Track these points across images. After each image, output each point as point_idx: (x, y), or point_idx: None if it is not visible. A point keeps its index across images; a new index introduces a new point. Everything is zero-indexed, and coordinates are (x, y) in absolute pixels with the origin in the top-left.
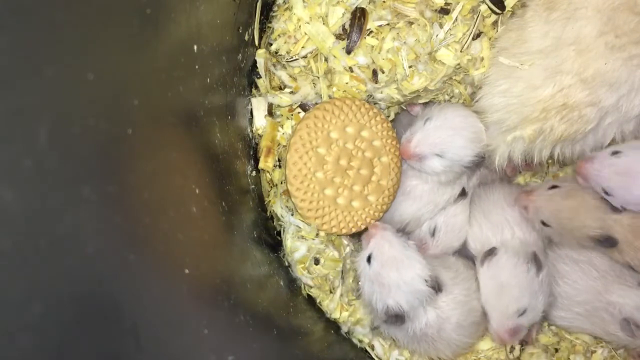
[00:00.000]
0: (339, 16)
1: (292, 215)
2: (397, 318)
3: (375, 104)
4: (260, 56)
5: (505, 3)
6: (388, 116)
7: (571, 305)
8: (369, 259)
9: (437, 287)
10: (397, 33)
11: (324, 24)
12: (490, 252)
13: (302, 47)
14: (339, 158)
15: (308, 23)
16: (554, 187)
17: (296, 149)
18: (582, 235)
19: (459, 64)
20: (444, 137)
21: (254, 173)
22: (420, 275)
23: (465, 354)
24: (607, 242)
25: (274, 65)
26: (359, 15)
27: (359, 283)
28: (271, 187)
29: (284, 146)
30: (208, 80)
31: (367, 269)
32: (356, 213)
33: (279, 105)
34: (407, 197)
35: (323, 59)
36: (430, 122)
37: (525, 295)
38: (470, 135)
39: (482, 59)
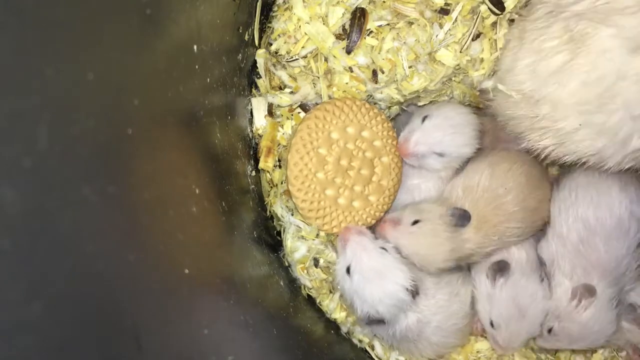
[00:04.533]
0: (339, 16)
1: (293, 215)
2: (378, 321)
3: (375, 104)
4: (260, 56)
5: (505, 4)
6: (388, 116)
7: None
8: (348, 270)
9: (414, 292)
10: (397, 33)
11: (324, 24)
12: (502, 268)
13: (302, 47)
14: (339, 158)
15: (308, 23)
16: (416, 222)
17: (297, 150)
18: (434, 269)
19: (458, 65)
20: (444, 135)
21: (254, 173)
22: (403, 285)
23: (450, 353)
24: (457, 268)
25: (274, 65)
26: (359, 15)
27: (339, 287)
28: (271, 187)
29: (284, 146)
30: (208, 80)
31: (348, 280)
32: (357, 213)
33: (279, 105)
34: (411, 195)
35: (323, 59)
36: (430, 120)
37: (540, 320)
38: (472, 132)
39: (482, 60)
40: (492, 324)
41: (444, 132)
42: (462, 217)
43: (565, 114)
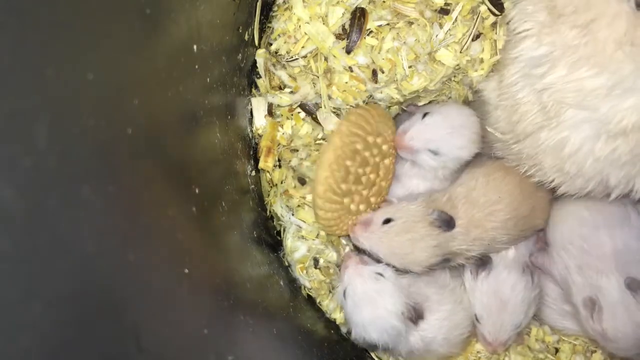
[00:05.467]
0: (338, 16)
1: (293, 214)
2: (375, 346)
3: (375, 103)
4: (260, 56)
5: (505, 5)
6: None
7: (557, 302)
8: (345, 294)
9: (414, 316)
10: (397, 33)
11: (323, 23)
12: (484, 262)
13: (302, 47)
14: (358, 167)
15: (308, 23)
16: (388, 220)
17: (329, 164)
18: (419, 268)
19: (458, 65)
20: (442, 134)
21: (253, 173)
22: (393, 311)
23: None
24: (444, 263)
25: (274, 65)
26: (358, 15)
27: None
28: (271, 187)
29: (284, 146)
30: (208, 80)
31: (345, 304)
32: (360, 215)
33: (279, 105)
34: (410, 194)
35: (323, 58)
36: (430, 117)
37: (524, 310)
38: (472, 135)
39: (482, 60)
40: (476, 318)
41: (442, 131)
42: (446, 222)
43: (548, 172)
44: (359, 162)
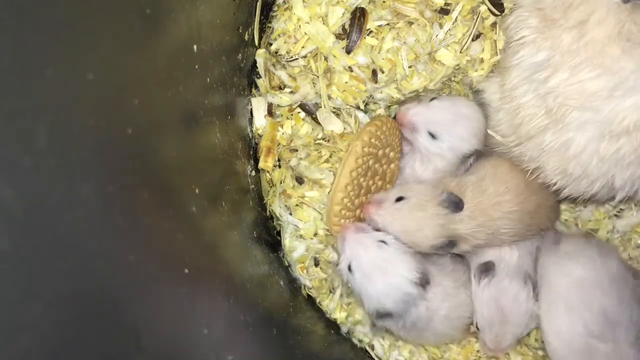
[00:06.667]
0: (338, 16)
1: (291, 214)
2: (387, 315)
3: (375, 103)
4: (260, 56)
5: (505, 5)
6: (388, 115)
7: None
8: (349, 268)
9: (424, 282)
10: (397, 33)
11: (323, 23)
12: (488, 268)
13: (302, 47)
14: (369, 179)
15: (308, 23)
16: (400, 198)
17: (346, 185)
18: (426, 246)
19: (458, 65)
20: (444, 119)
21: (253, 173)
22: (407, 277)
23: (448, 343)
24: (449, 246)
25: (274, 65)
26: (358, 15)
27: (349, 285)
28: (271, 186)
29: (284, 146)
30: (208, 80)
31: (352, 278)
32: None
33: (278, 105)
34: None
35: (323, 58)
36: (437, 101)
37: (525, 321)
38: (473, 129)
39: (482, 60)
40: (477, 327)
41: (445, 116)
42: (454, 204)
43: (550, 175)
44: (370, 175)
